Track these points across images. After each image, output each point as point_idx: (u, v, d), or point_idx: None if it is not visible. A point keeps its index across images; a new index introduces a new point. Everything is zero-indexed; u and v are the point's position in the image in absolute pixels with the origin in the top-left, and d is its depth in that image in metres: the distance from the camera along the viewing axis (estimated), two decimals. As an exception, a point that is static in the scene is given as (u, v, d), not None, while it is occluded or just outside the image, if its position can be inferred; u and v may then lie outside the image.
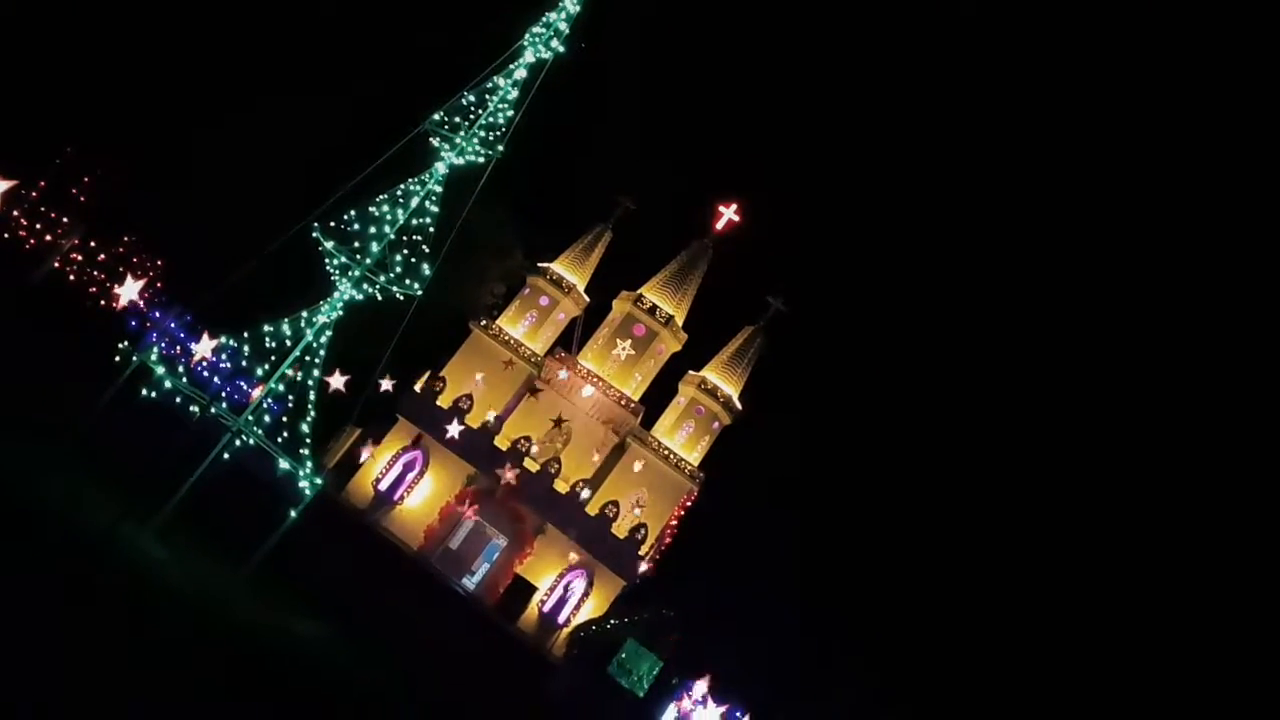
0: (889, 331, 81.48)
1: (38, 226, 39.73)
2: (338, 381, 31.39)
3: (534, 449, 50.77)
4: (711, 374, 55.59)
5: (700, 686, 51.28)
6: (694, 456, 53.94)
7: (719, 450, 55.44)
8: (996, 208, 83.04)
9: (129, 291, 42.47)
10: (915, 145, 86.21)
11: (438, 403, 50.98)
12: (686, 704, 51.21)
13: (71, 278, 41.03)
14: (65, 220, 40.15)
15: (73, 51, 47.39)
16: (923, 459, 74.84)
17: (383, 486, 49.69)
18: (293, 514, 19.83)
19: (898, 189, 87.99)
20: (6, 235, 38.61)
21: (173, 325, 42.70)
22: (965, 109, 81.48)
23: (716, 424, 54.98)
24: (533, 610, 48.52)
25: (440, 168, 20.67)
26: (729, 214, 57.76)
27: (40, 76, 45.27)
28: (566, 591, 48.74)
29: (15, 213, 38.70)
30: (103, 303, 41.99)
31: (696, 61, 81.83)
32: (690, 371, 56.29)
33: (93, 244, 41.39)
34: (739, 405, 55.46)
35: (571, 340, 56.43)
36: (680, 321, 56.19)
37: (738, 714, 51.19)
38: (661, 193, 64.83)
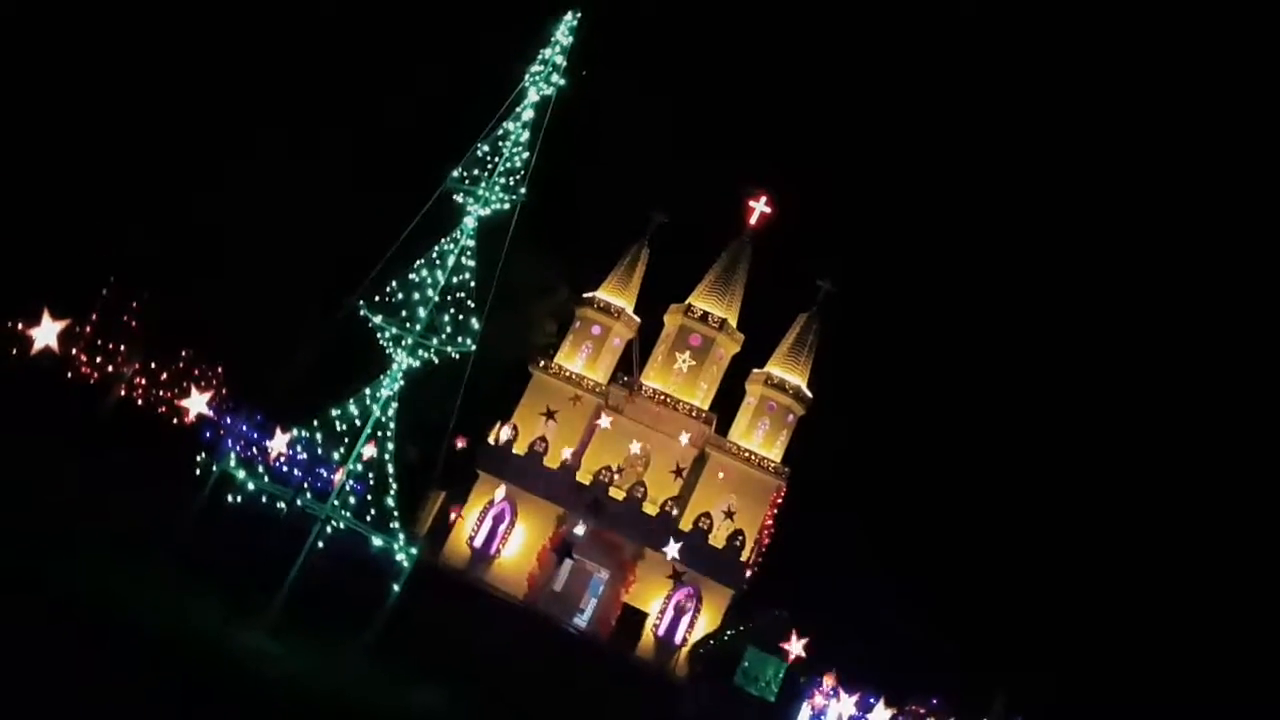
0: (940, 293, 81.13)
1: (98, 360, 40.63)
2: (413, 450, 31.72)
3: (616, 477, 50.84)
4: (776, 368, 55.40)
5: (829, 680, 50.93)
6: (775, 453, 53.72)
7: (799, 441, 55.22)
8: (1019, 163, 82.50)
9: (197, 404, 43.23)
10: (935, 110, 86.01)
11: (514, 451, 51.27)
12: (819, 700, 50.88)
13: (140, 402, 41.86)
14: (122, 348, 40.99)
15: (91, 184, 48.42)
16: (996, 416, 74.38)
17: (477, 543, 50.03)
18: (395, 588, 20.01)
19: (921, 158, 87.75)
20: (70, 374, 39.48)
21: (245, 428, 43.47)
22: (972, 75, 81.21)
23: (791, 416, 54.74)
24: (648, 636, 48.51)
25: (469, 222, 20.87)
26: (760, 207, 57.69)
27: (68, 216, 46.27)
28: (677, 612, 48.69)
29: (74, 351, 39.58)
30: (174, 420, 42.78)
31: (699, 66, 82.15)
32: (755, 369, 56.15)
33: (153, 365, 42.22)
34: (809, 393, 55.18)
35: (631, 363, 56.54)
36: (734, 323, 56.09)
37: (871, 700, 50.77)
38: (690, 200, 64.93)
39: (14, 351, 36.85)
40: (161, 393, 42.73)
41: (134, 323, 42.35)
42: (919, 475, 69.43)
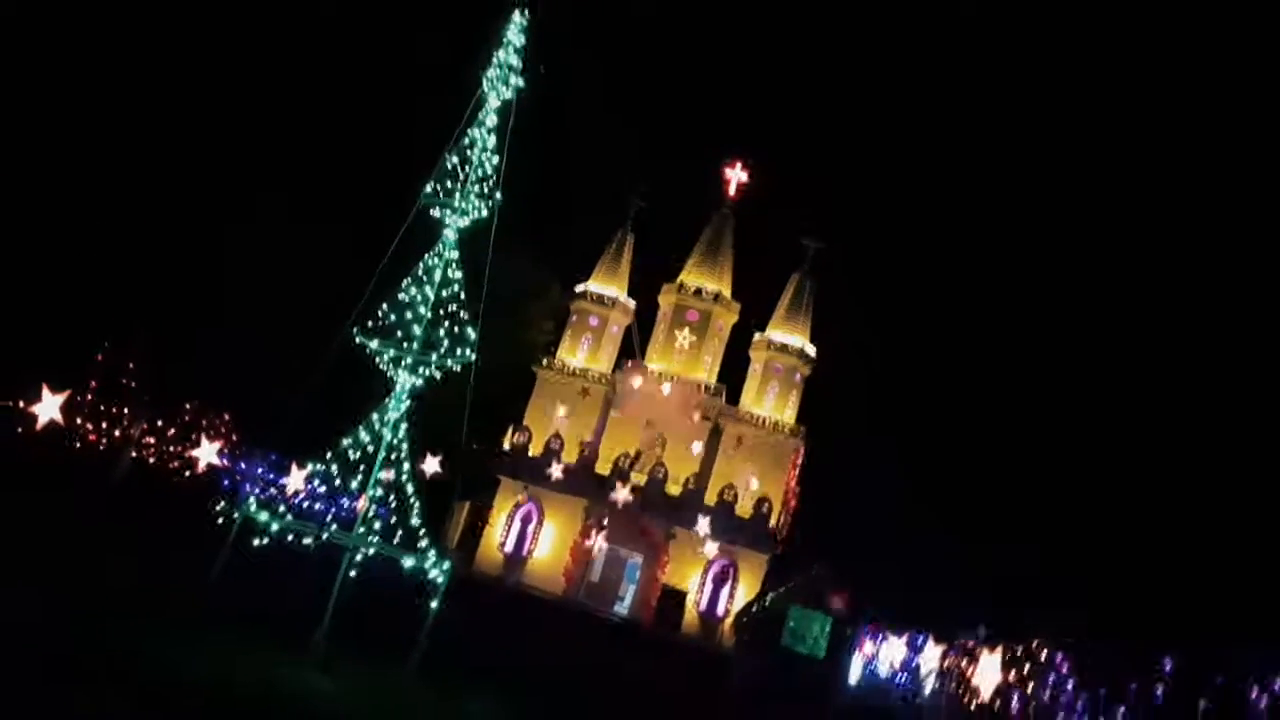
0: (929, 232, 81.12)
1: (104, 425, 40.72)
2: (431, 466, 31.78)
3: (636, 462, 50.94)
4: (776, 332, 55.41)
5: (875, 627, 51.14)
6: (788, 415, 53.78)
7: (811, 398, 55.27)
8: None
9: (207, 454, 43.28)
10: (900, 56, 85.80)
11: (529, 452, 51.41)
12: (869, 647, 51.11)
13: (152, 460, 41.96)
14: (126, 410, 41.06)
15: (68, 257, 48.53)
16: (1004, 341, 74.40)
17: (508, 548, 50.24)
18: (434, 604, 20.10)
19: (891, 106, 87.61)
20: (79, 445, 39.58)
21: (260, 470, 43.63)
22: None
23: (798, 376, 54.77)
24: (690, 613, 48.71)
25: (449, 234, 20.86)
26: (737, 175, 57.59)
27: (52, 289, 46.33)
28: (716, 585, 48.86)
29: (79, 420, 39.67)
30: (187, 473, 42.91)
31: (655, 40, 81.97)
32: (756, 335, 56.15)
33: (159, 423, 42.30)
34: (812, 351, 55.20)
35: (633, 347, 56.58)
36: (729, 293, 56.09)
37: (920, 639, 51.00)
38: (665, 177, 65.08)
39: (19, 430, 37.00)
40: (172, 448, 42.84)
41: (133, 383, 42.43)
42: (935, 414, 69.62)
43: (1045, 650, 42.14)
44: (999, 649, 44.04)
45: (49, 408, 33.58)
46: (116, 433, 40.78)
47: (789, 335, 55.02)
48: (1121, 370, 72.03)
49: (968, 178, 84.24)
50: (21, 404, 37.37)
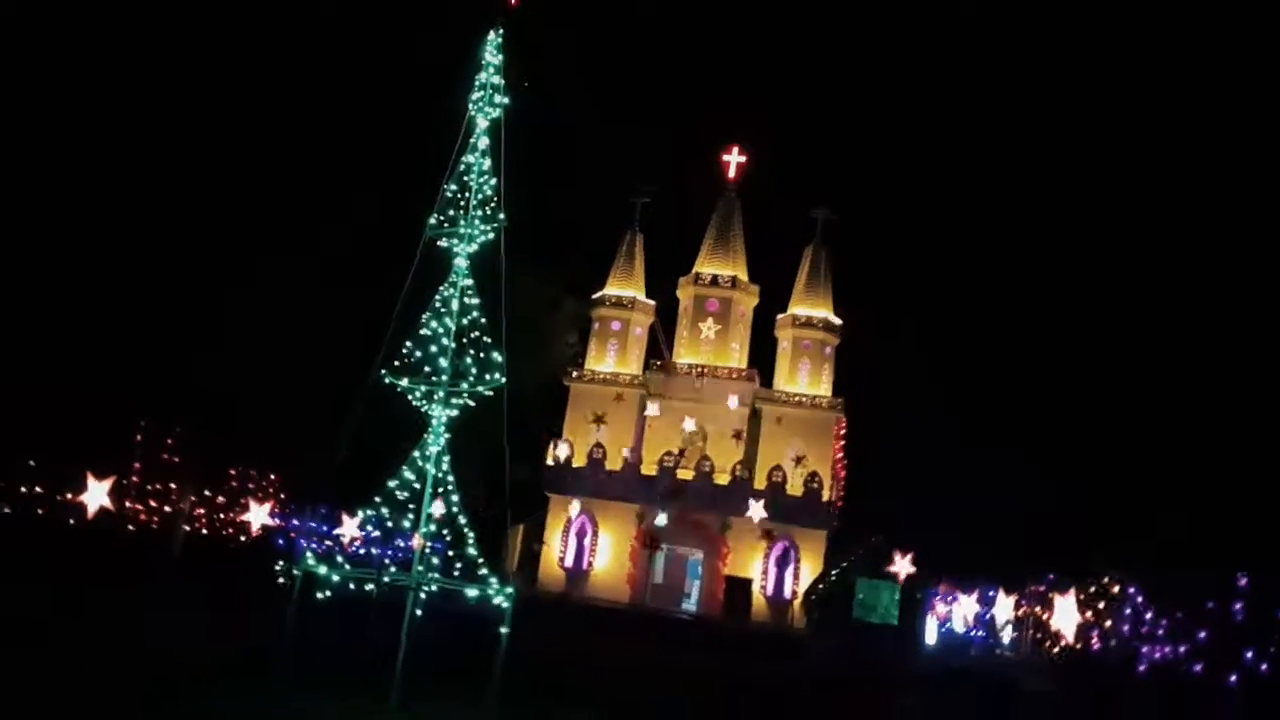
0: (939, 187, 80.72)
1: (152, 504, 41.07)
2: (476, 497, 31.90)
3: (680, 459, 50.93)
4: (799, 307, 55.29)
5: (944, 587, 50.96)
6: (823, 388, 53.64)
7: (844, 367, 55.10)
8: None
9: (258, 517, 43.81)
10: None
11: (574, 465, 51.50)
12: (941, 608, 50.94)
13: (205, 532, 42.28)
14: (173, 487, 41.41)
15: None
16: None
17: (568, 563, 50.39)
18: (504, 630, 20.11)
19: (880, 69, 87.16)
20: (131, 527, 39.94)
21: (313, 524, 43.94)
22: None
23: (828, 349, 54.63)
24: (758, 600, 48.68)
25: (460, 263, 20.86)
26: (734, 158, 57.47)
27: (81, 377, 46.79)
28: (779, 568, 48.80)
29: (127, 503, 40.04)
30: (243, 538, 43.25)
31: (635, 31, 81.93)
32: (779, 314, 56.06)
33: (207, 493, 42.63)
34: (838, 322, 55.02)
35: (659, 345, 56.57)
36: (745, 276, 56.03)
37: (991, 593, 50.78)
38: (664, 172, 64.99)
39: (71, 522, 37.41)
40: (223, 515, 43.19)
41: (176, 459, 42.79)
42: (972, 358, 69.11)
43: (1117, 584, 41.78)
44: (1071, 590, 43.72)
45: (97, 495, 33.97)
46: (166, 509, 41.12)
47: (813, 309, 54.86)
48: (1161, 286, 70.81)
49: (970, 119, 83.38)
50: (70, 496, 37.86)
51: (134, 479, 41.05)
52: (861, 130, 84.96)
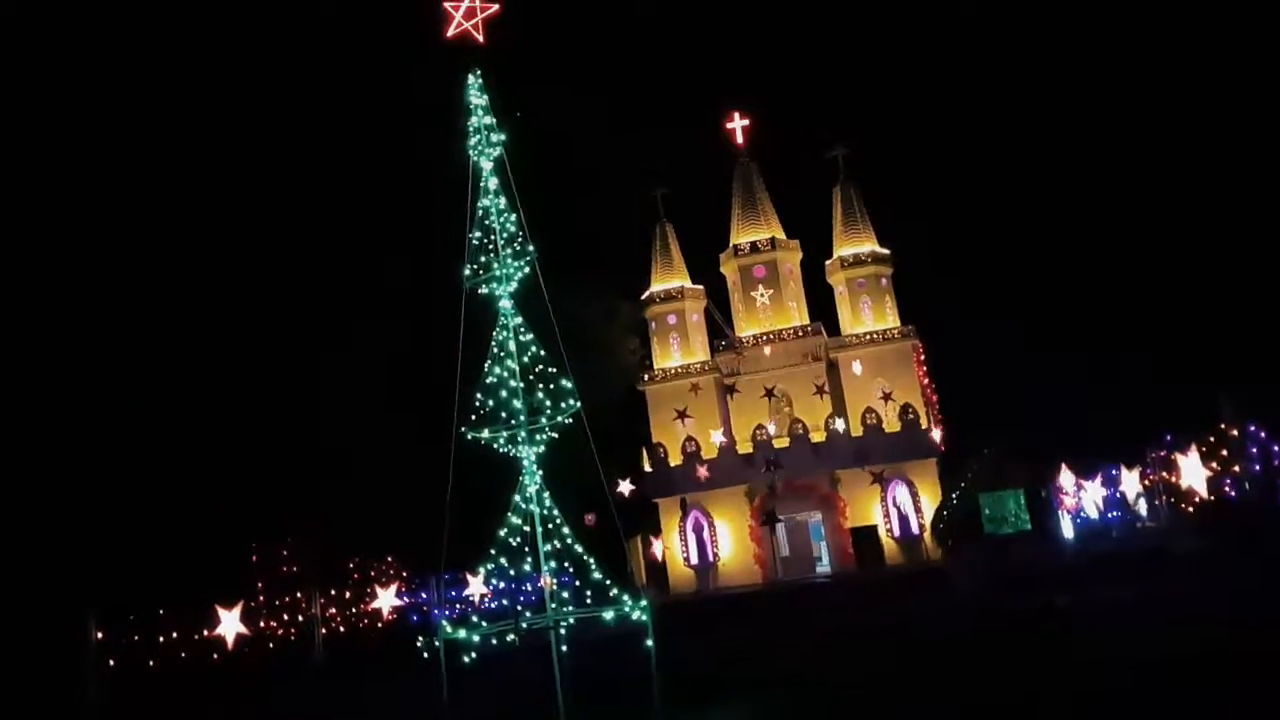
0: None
1: (285, 617, 41.73)
2: (588, 518, 32.08)
3: (771, 430, 50.75)
4: (844, 248, 54.92)
5: (1063, 476, 50.32)
6: (891, 320, 53.18)
7: (907, 292, 54.62)
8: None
9: (387, 600, 44.31)
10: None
11: (671, 465, 51.52)
12: (1069, 500, 50.29)
13: (343, 629, 42.87)
14: (299, 594, 42.05)
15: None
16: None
17: (694, 561, 50.34)
18: (649, 644, 20.17)
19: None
20: (272, 644, 40.63)
21: (440, 593, 44.40)
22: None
23: (883, 280, 54.16)
24: (889, 544, 48.37)
25: (505, 304, 20.96)
26: (738, 124, 57.17)
27: (184, 518, 47.83)
28: (898, 506, 48.45)
29: (261, 623, 40.74)
30: (379, 624, 43.81)
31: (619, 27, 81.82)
32: (826, 262, 55.76)
33: (332, 591, 43.23)
34: (885, 252, 54.53)
35: (719, 326, 56.43)
36: (783, 235, 55.72)
37: (1113, 471, 50.06)
38: (673, 156, 64.91)
39: (215, 656, 38.15)
40: (354, 608, 43.79)
41: (294, 569, 43.48)
42: (1030, 246, 68.27)
43: (1236, 430, 40.96)
44: (1192, 446, 42.97)
45: (231, 624, 34.51)
46: (300, 618, 41.78)
47: (857, 246, 54.43)
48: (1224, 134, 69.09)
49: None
50: (206, 633, 38.63)
51: (260, 599, 41.77)
52: (859, 58, 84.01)
